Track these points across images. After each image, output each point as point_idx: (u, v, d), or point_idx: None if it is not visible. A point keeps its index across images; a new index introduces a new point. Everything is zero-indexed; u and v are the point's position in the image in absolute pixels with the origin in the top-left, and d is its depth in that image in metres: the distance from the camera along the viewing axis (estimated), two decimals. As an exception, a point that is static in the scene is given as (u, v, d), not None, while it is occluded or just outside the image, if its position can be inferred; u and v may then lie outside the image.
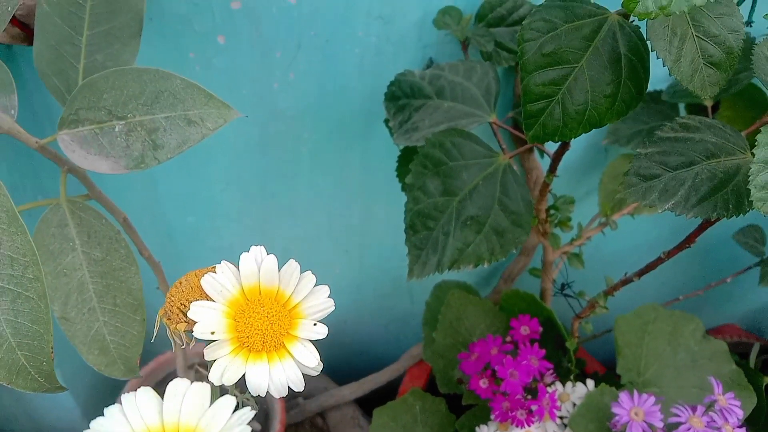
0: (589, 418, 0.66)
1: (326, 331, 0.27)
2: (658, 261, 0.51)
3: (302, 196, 0.84)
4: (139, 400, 0.22)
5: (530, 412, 0.64)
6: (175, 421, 0.21)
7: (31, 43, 0.44)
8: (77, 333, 0.41)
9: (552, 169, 0.56)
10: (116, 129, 0.38)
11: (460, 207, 0.49)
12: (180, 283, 0.29)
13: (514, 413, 0.63)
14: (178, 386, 0.22)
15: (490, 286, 0.97)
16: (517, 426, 0.65)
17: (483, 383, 0.65)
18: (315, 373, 0.27)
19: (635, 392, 0.61)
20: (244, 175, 0.81)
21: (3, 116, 0.39)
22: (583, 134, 0.38)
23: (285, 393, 0.25)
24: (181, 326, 0.28)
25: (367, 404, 0.92)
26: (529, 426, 0.65)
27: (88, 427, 0.83)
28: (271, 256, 0.28)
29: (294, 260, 0.28)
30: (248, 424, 0.22)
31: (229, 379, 0.24)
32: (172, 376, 0.90)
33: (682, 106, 0.68)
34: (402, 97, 0.61)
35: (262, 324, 0.27)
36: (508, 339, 0.67)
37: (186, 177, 0.79)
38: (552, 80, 0.36)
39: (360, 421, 0.96)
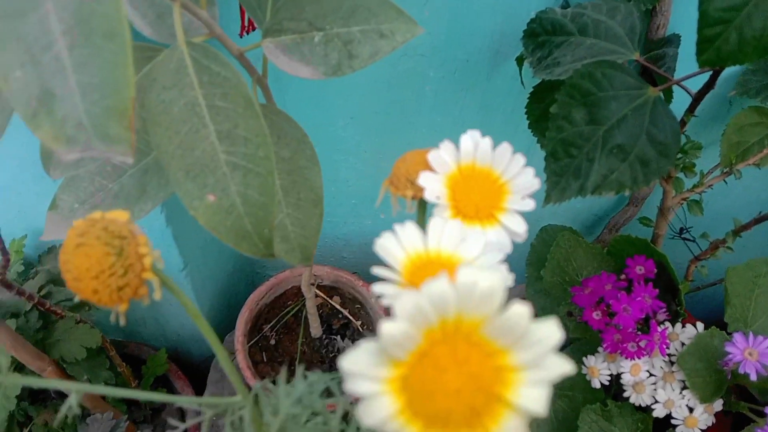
0: (697, 357, 0.68)
1: (534, 205, 0.31)
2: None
3: (420, 134, 0.88)
4: (407, 231, 0.26)
5: (640, 347, 0.67)
6: (436, 248, 0.26)
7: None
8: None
9: (691, 108, 0.58)
10: (315, 39, 0.43)
11: (607, 135, 0.52)
12: (404, 158, 0.33)
13: (625, 345, 0.67)
14: (437, 223, 0.27)
15: (593, 235, 0.99)
16: (626, 358, 0.68)
17: (596, 315, 0.68)
18: (521, 240, 0.31)
19: (750, 334, 0.63)
20: (368, 112, 0.85)
21: (214, 23, 0.44)
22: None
23: (497, 256, 0.28)
24: (409, 192, 0.32)
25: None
26: (637, 359, 0.68)
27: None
28: (488, 137, 0.32)
29: (507, 143, 0.32)
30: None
31: (449, 236, 0.28)
32: (290, 291, 0.97)
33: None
34: (542, 34, 0.63)
35: (475, 196, 0.31)
36: (623, 277, 0.70)
37: (313, 109, 0.84)
38: (732, 5, 0.38)
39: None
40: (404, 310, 0.17)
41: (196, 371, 1.12)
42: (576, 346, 0.76)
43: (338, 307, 0.98)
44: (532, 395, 0.17)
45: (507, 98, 0.82)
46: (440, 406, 0.17)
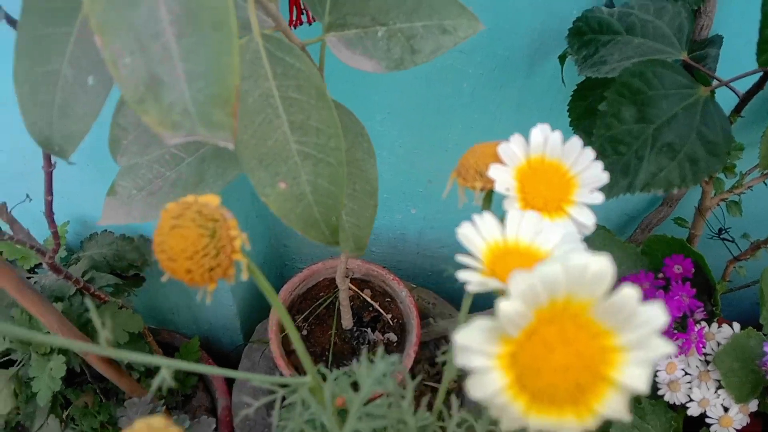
0: (734, 356, 0.69)
1: (603, 198, 0.32)
2: None
3: (455, 131, 0.89)
4: (485, 222, 0.27)
5: (677, 345, 0.67)
6: (514, 238, 0.27)
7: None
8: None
9: (738, 109, 0.58)
10: (379, 34, 0.44)
11: (657, 134, 0.52)
12: (474, 151, 0.34)
13: (661, 343, 0.67)
14: (514, 213, 0.28)
15: (625, 234, 0.99)
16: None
17: (633, 313, 0.68)
18: (589, 232, 0.32)
19: (789, 335, 0.63)
20: (405, 107, 0.86)
21: (281, 17, 0.45)
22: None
23: (574, 246, 0.29)
24: (478, 184, 0.33)
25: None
26: (674, 357, 0.69)
27: (240, 324, 0.93)
28: (558, 131, 0.33)
29: (577, 137, 0.32)
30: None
31: (527, 227, 0.29)
32: (321, 282, 0.99)
33: None
34: (588, 33, 0.63)
35: (544, 188, 0.32)
36: (660, 276, 0.70)
37: (352, 103, 0.85)
38: (794, 7, 0.39)
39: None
40: (518, 290, 0.18)
41: (227, 360, 1.14)
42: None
43: (369, 299, 0.99)
44: (636, 374, 0.18)
45: (545, 97, 0.82)
46: (547, 382, 0.18)
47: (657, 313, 0.18)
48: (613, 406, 0.18)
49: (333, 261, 0.98)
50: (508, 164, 0.32)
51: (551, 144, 0.32)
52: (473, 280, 0.25)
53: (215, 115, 0.26)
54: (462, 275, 0.25)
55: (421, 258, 1.12)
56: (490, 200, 0.35)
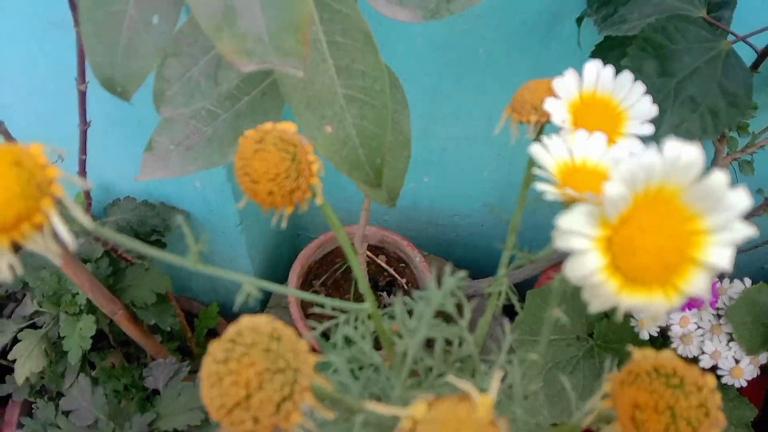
0: (745, 311, 0.71)
1: (653, 129, 0.34)
2: None
3: (469, 97, 0.90)
4: (555, 143, 0.29)
5: (691, 300, 0.70)
6: (581, 158, 0.29)
7: None
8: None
9: (756, 65, 0.60)
10: (417, -18, 0.45)
11: (679, 87, 0.54)
12: (528, 87, 0.36)
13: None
14: (582, 135, 0.29)
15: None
16: (676, 310, 0.71)
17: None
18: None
19: (800, 286, 0.66)
20: (421, 73, 0.88)
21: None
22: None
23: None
24: (533, 118, 0.35)
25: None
26: (687, 311, 0.71)
27: (260, 292, 0.93)
28: (609, 66, 0.35)
29: (628, 71, 0.34)
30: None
31: (593, 148, 0.31)
32: (338, 249, 1.01)
33: None
34: (608, -7, 0.65)
35: (596, 121, 0.34)
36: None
37: (369, 70, 0.87)
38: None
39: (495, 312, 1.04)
40: (621, 175, 0.19)
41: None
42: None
43: (384, 265, 1.01)
44: (720, 254, 0.20)
45: (560, 61, 0.84)
46: (640, 263, 0.20)
47: (741, 197, 0.19)
48: (698, 284, 0.20)
49: (349, 228, 1.00)
50: (562, 98, 0.34)
51: (603, 79, 0.34)
52: (548, 191, 0.27)
53: (287, 43, 0.27)
54: (540, 186, 0.26)
55: (432, 227, 1.14)
56: (541, 135, 0.37)
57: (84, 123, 0.59)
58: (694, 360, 0.73)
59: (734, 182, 0.80)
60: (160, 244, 0.88)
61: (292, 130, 0.30)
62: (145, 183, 0.89)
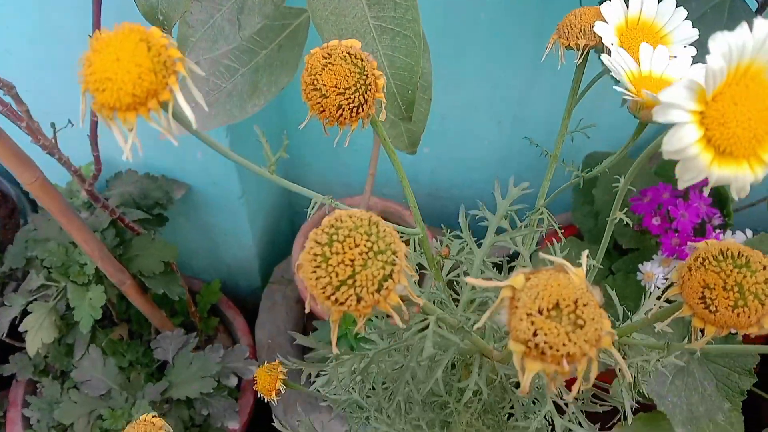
0: (747, 260, 0.74)
1: (695, 52, 0.35)
2: None
3: (472, 62, 0.91)
4: (623, 55, 0.30)
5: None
6: (647, 71, 0.30)
7: None
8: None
9: (760, 9, 0.62)
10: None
11: (692, 34, 0.56)
12: (574, 13, 0.37)
13: (682, 248, 0.72)
14: (646, 48, 0.31)
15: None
16: (683, 260, 0.73)
17: (655, 221, 0.73)
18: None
19: (801, 234, 0.69)
20: (422, 40, 0.88)
21: None
22: None
23: None
24: (581, 42, 0.36)
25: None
26: (692, 262, 0.73)
27: (258, 266, 0.93)
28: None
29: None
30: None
31: (658, 59, 0.32)
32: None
33: None
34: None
35: (642, 37, 0.35)
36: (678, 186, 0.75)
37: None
38: None
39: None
40: (719, 49, 0.21)
41: (242, 306, 1.15)
42: (631, 256, 0.81)
43: (386, 236, 1.02)
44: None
45: (560, 25, 0.85)
46: (731, 132, 0.21)
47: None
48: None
49: (351, 199, 1.00)
50: (609, 22, 0.35)
51: (647, 5, 0.35)
52: (628, 94, 0.28)
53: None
54: (618, 88, 0.28)
55: (432, 199, 1.15)
56: (586, 60, 0.38)
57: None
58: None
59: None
60: (162, 218, 0.88)
61: (357, 46, 0.30)
62: (145, 156, 0.88)
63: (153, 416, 0.34)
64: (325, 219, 0.25)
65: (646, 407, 0.78)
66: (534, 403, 0.40)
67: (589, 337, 0.22)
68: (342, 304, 0.23)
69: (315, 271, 0.23)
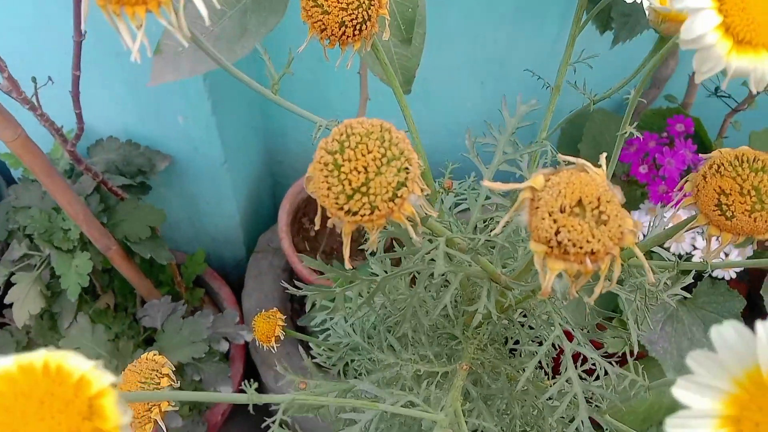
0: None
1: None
2: None
3: (452, 21, 0.90)
4: None
5: (684, 195, 0.73)
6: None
7: None
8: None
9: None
10: None
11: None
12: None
13: (669, 194, 0.72)
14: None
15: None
16: (671, 207, 0.74)
17: (642, 169, 0.73)
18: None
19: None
20: None
21: None
22: None
23: None
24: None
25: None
26: (679, 212, 0.74)
27: (243, 236, 0.91)
28: None
29: None
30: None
31: None
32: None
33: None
34: None
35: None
36: (664, 135, 0.75)
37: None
38: None
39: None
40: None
41: (227, 279, 1.14)
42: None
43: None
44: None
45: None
46: (749, 18, 0.21)
47: None
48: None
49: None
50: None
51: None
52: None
53: None
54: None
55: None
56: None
57: (78, 35, 0.56)
58: (687, 257, 0.77)
59: (719, 81, 0.83)
60: (146, 186, 0.86)
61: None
62: (125, 123, 0.86)
63: (154, 354, 0.34)
64: (335, 128, 0.24)
65: (637, 356, 0.79)
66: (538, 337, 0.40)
67: (612, 234, 0.22)
68: (355, 214, 0.23)
69: (326, 181, 0.23)
